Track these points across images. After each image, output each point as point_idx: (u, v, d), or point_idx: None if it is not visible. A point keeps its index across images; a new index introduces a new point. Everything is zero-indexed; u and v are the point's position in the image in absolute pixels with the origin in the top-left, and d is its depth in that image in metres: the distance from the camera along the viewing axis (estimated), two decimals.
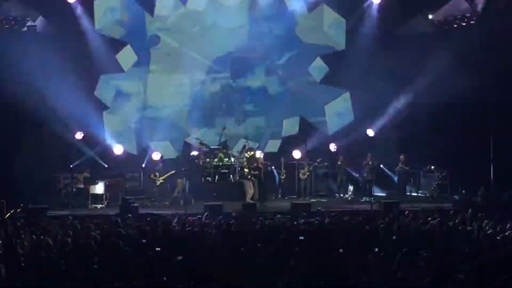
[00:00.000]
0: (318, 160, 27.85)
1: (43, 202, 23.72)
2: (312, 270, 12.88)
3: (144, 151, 29.52)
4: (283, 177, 27.27)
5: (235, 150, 28.68)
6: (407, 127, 29.30)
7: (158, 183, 26.02)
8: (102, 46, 28.88)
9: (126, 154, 29.30)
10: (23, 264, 13.32)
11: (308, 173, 27.32)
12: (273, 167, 27.41)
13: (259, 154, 26.96)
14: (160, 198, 25.97)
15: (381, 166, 28.12)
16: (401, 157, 27.28)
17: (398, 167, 27.11)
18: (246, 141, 29.10)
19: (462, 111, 27.33)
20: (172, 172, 26.03)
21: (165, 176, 26.00)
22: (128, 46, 29.45)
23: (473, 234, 16.71)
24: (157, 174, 26.03)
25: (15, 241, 15.63)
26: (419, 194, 27.31)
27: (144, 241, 15.89)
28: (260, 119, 30.54)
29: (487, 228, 17.23)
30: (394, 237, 16.35)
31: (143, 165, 28.20)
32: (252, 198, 25.60)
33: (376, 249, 14.87)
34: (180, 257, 14.03)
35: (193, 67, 29.99)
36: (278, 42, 30.25)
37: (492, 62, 25.95)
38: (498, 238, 15.91)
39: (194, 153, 27.71)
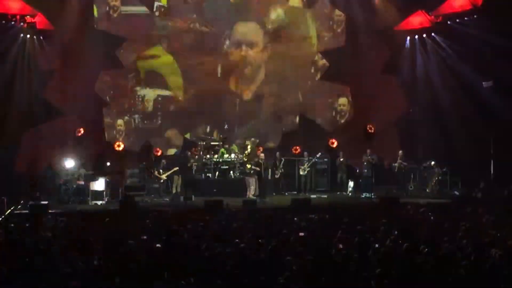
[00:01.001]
0: (318, 155, 27.84)
1: (43, 199, 23.70)
2: (313, 266, 12.89)
3: (144, 148, 29.60)
4: (281, 171, 27.21)
5: (235, 146, 28.70)
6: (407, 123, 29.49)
7: (162, 180, 25.99)
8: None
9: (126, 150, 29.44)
10: (24, 262, 13.32)
11: (308, 169, 27.33)
12: (271, 164, 27.20)
13: (257, 148, 27.06)
14: (163, 195, 25.97)
15: (381, 161, 28.13)
16: (400, 152, 27.26)
17: (396, 163, 27.08)
18: (247, 138, 29.26)
19: (463, 107, 27.32)
20: (176, 168, 25.98)
21: (169, 172, 25.96)
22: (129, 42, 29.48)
23: (473, 230, 16.73)
24: (161, 171, 25.99)
25: (16, 238, 15.67)
26: (419, 190, 27.28)
27: (145, 237, 15.90)
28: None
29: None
30: (395, 233, 16.38)
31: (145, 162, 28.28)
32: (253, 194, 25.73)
33: (377, 245, 14.90)
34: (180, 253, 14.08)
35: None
36: None
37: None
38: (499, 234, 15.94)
39: (189, 152, 27.48)
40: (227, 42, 29.97)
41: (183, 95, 30.05)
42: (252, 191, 25.87)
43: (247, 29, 30.13)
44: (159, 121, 30.09)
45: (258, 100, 30.35)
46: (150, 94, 29.96)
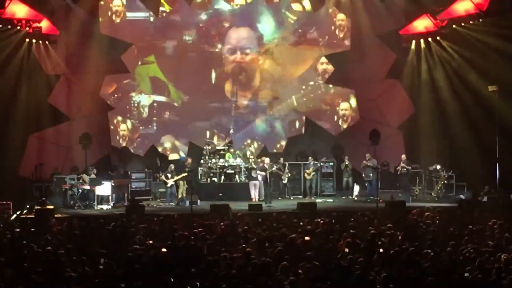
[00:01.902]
0: (323, 160, 27.83)
1: (49, 204, 23.71)
2: (318, 270, 12.90)
3: (150, 152, 29.63)
4: (288, 176, 27.16)
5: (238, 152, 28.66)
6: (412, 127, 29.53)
7: (169, 184, 25.92)
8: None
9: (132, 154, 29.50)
10: (30, 265, 13.35)
11: (314, 173, 27.30)
12: (276, 168, 27.08)
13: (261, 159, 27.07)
14: (170, 199, 25.93)
15: (384, 166, 28.16)
16: (403, 157, 27.17)
17: (400, 167, 26.99)
18: (252, 141, 29.29)
19: (468, 111, 27.31)
20: (184, 174, 25.91)
21: (177, 178, 25.88)
22: (133, 47, 29.51)
23: (479, 234, 16.73)
24: (169, 175, 25.91)
25: (22, 242, 15.69)
26: (425, 194, 27.24)
27: (151, 241, 15.92)
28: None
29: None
30: (401, 237, 16.37)
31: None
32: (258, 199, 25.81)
33: (381, 250, 14.90)
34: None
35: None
36: None
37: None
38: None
39: (189, 160, 27.35)
40: (223, 48, 29.99)
41: (179, 101, 30.02)
42: (257, 195, 25.94)
43: (240, 35, 30.10)
44: (155, 127, 30.08)
45: (255, 106, 30.31)
46: (145, 100, 29.96)
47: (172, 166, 26.27)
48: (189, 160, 26.90)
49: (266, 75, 30.23)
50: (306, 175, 27.39)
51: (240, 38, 30.05)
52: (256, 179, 26.15)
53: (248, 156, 27.92)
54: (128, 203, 24.53)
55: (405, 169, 26.72)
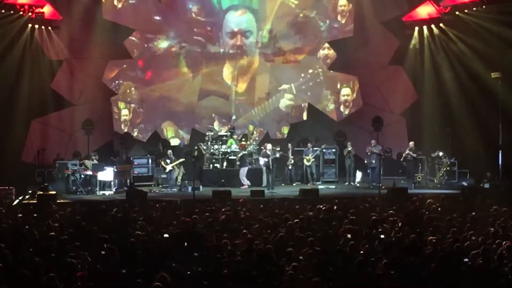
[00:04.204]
0: (323, 147, 27.76)
1: (51, 189, 23.72)
2: (320, 256, 12.91)
3: (152, 138, 29.64)
4: (291, 162, 27.18)
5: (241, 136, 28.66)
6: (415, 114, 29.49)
7: (167, 169, 25.96)
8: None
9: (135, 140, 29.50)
10: (31, 250, 13.37)
11: (313, 159, 27.24)
12: (279, 155, 27.04)
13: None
14: (172, 185, 25.94)
15: (387, 153, 28.12)
16: (411, 144, 27.11)
17: (406, 154, 26.93)
18: (254, 128, 29.21)
19: (471, 97, 27.27)
20: (182, 159, 25.97)
21: (175, 163, 25.92)
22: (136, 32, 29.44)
23: (481, 221, 16.74)
24: (168, 161, 25.96)
25: (24, 227, 15.71)
26: (427, 181, 27.22)
27: (151, 228, 15.93)
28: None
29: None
30: (403, 223, 16.37)
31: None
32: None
33: (383, 236, 14.91)
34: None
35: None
36: None
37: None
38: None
39: (201, 144, 27.42)
40: (223, 32, 29.89)
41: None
42: (246, 180, 25.99)
43: (240, 19, 29.93)
44: (156, 112, 30.07)
45: (254, 91, 30.26)
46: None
47: (170, 152, 26.32)
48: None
49: (266, 60, 30.14)
50: (305, 161, 27.33)
51: (240, 22, 29.91)
52: (247, 165, 26.25)
53: (249, 142, 27.74)
54: (129, 188, 24.44)
55: (410, 156, 26.63)
